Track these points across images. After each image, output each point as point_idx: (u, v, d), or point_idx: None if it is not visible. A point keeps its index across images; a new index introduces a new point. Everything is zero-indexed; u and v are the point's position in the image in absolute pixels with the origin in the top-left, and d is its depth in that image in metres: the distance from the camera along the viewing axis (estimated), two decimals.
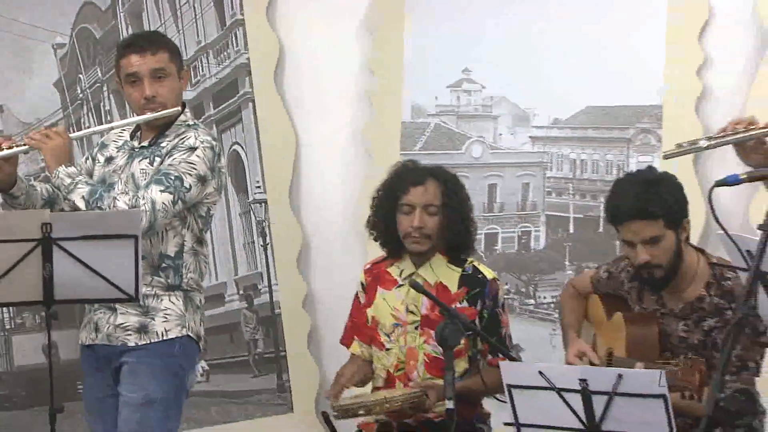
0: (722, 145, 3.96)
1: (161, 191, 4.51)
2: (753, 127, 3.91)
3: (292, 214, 6.64)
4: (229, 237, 6.63)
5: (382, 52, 6.61)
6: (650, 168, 4.89)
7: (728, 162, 4.02)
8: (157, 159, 4.67)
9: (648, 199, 4.51)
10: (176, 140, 4.70)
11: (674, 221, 4.54)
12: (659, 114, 6.19)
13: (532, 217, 6.49)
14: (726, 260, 4.47)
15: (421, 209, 4.86)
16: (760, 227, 3.49)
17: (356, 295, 5.15)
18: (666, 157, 4.28)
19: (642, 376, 3.75)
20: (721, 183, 3.63)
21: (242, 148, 6.65)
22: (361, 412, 4.74)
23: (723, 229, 3.62)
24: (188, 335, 4.67)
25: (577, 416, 3.76)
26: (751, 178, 3.72)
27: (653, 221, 4.50)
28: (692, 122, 6.04)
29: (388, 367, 4.96)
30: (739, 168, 3.93)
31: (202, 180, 4.61)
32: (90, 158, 4.92)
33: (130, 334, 4.63)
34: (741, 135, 3.91)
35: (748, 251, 3.54)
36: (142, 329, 4.62)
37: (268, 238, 6.63)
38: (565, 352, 4.84)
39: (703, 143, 3.98)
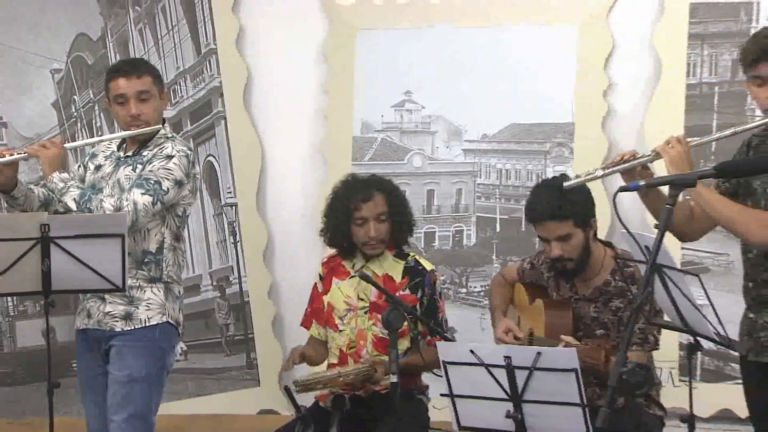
0: (613, 174, 4.04)
1: (142, 193, 4.49)
2: (635, 157, 4.01)
3: (259, 215, 6.62)
4: (204, 235, 6.61)
5: (335, 77, 6.59)
6: (563, 175, 4.88)
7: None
8: (139, 166, 4.64)
9: (560, 202, 4.53)
10: (156, 150, 4.67)
11: (582, 221, 4.58)
12: (571, 130, 6.24)
13: (464, 218, 6.48)
14: (629, 253, 4.58)
15: (374, 220, 4.87)
16: (655, 226, 3.56)
17: (315, 285, 5.13)
18: (567, 186, 4.26)
19: (557, 353, 3.77)
20: (623, 189, 3.70)
21: (215, 159, 6.62)
22: (319, 386, 4.77)
23: (625, 227, 3.67)
24: (168, 321, 4.64)
25: (503, 388, 3.75)
26: (648, 185, 3.76)
27: (564, 221, 4.55)
28: (599, 137, 6.12)
29: (341, 346, 4.95)
30: None
31: (178, 184, 4.59)
32: (82, 166, 4.88)
33: (117, 321, 4.61)
34: (627, 164, 4.00)
35: (646, 246, 3.59)
36: (128, 316, 4.60)
37: (237, 236, 6.60)
38: (493, 332, 4.85)
39: (599, 173, 4.04)
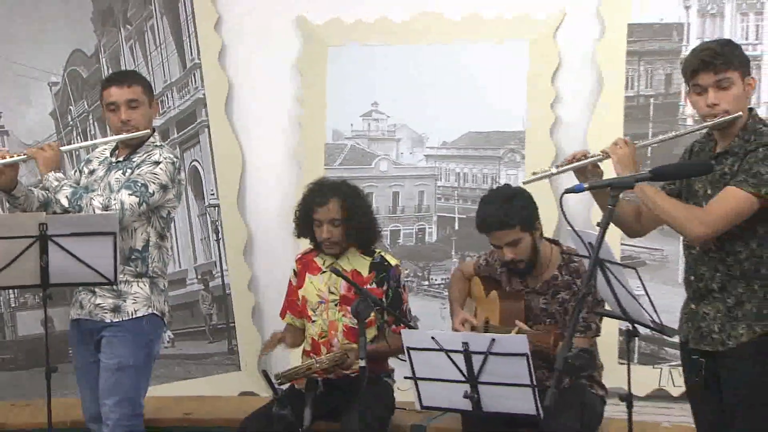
0: (566, 171, 4.05)
1: (129, 194, 4.49)
2: (586, 157, 4.02)
3: (239, 215, 6.59)
4: (190, 233, 6.58)
5: (308, 89, 6.57)
6: (506, 185, 4.95)
7: (573, 176, 4.11)
8: (129, 171, 4.63)
9: (505, 213, 4.58)
10: (145, 156, 4.66)
11: (528, 226, 4.61)
12: (523, 138, 6.24)
13: (426, 217, 6.47)
14: (574, 249, 4.60)
15: (327, 223, 4.88)
16: (598, 224, 3.56)
17: (290, 279, 5.14)
18: (525, 183, 4.29)
19: (509, 340, 3.78)
20: (569, 191, 3.68)
21: (200, 163, 6.60)
22: (299, 376, 4.78)
23: (570, 226, 3.69)
24: (154, 313, 4.65)
25: (461, 371, 3.78)
26: (591, 187, 3.77)
27: (511, 229, 4.59)
28: (547, 144, 6.14)
29: (314, 335, 4.96)
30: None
31: (163, 188, 4.59)
32: (78, 171, 4.88)
33: (106, 313, 4.61)
34: (579, 163, 4.01)
35: (590, 243, 3.60)
36: (116, 309, 4.60)
37: (220, 234, 6.57)
38: (452, 321, 4.87)
39: (553, 170, 4.02)
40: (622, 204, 3.92)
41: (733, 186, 3.72)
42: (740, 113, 3.78)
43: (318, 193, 4.97)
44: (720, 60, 3.77)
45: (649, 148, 5.57)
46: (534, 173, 4.08)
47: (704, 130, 3.96)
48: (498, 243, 4.64)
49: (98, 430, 4.72)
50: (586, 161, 3.95)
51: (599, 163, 4.01)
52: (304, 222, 4.98)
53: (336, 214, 4.89)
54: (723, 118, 3.78)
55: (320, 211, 4.89)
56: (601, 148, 4.00)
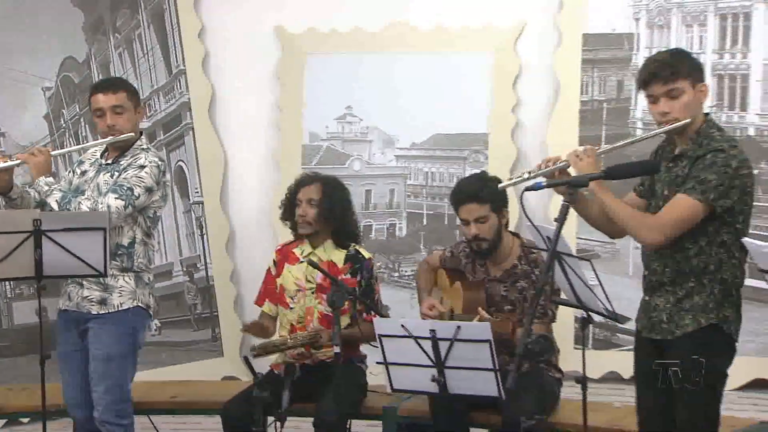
0: (538, 176, 4.01)
1: (116, 198, 4.42)
2: (555, 163, 3.97)
3: (222, 212, 6.59)
4: (176, 228, 6.55)
5: (287, 94, 6.58)
6: (483, 171, 5.03)
7: None
8: (116, 173, 4.56)
9: (480, 187, 4.59)
10: (131, 159, 4.58)
11: (498, 207, 4.60)
12: (486, 140, 6.28)
13: (396, 213, 6.50)
14: (533, 242, 4.60)
15: (306, 202, 4.88)
16: (555, 220, 3.57)
17: (269, 269, 5.10)
18: (501, 187, 4.20)
19: (473, 327, 3.77)
20: (529, 188, 3.69)
21: (185, 164, 6.58)
22: (273, 348, 4.77)
23: (530, 221, 3.69)
24: (138, 305, 4.57)
25: (428, 356, 3.76)
26: (549, 185, 3.77)
27: (483, 204, 4.57)
28: (509, 146, 6.18)
29: (292, 321, 4.93)
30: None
31: (148, 190, 4.51)
32: (72, 171, 4.80)
33: (93, 305, 4.54)
34: (548, 169, 3.95)
35: (548, 236, 3.61)
36: (103, 301, 4.53)
37: (204, 229, 6.56)
38: (420, 309, 4.85)
39: (526, 175, 3.91)
40: (595, 209, 3.93)
41: (683, 194, 3.73)
42: (688, 120, 3.79)
43: (306, 177, 5.04)
44: (669, 71, 3.77)
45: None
46: (510, 178, 4.07)
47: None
48: (467, 217, 4.63)
49: (79, 415, 4.68)
50: (553, 167, 3.91)
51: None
52: (290, 203, 5.00)
53: (315, 194, 4.90)
54: (673, 125, 3.78)
55: (303, 191, 4.92)
56: (559, 149, 4.00)
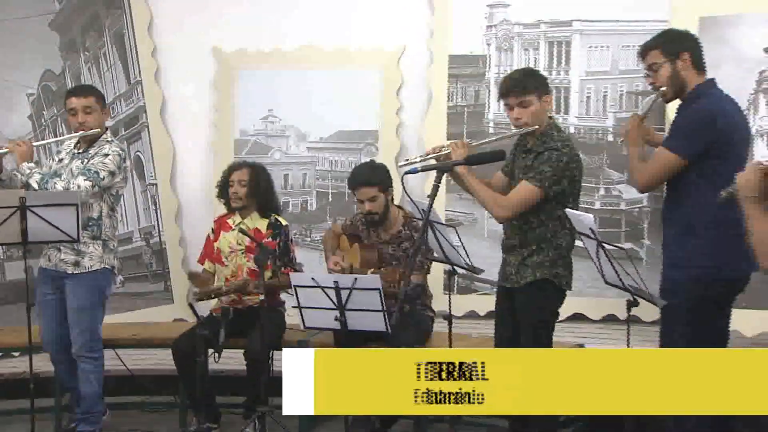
0: (429, 159, 3.88)
1: (84, 180, 4.41)
2: (439, 150, 3.93)
3: (171, 191, 6.46)
4: (135, 204, 6.40)
5: (222, 100, 6.47)
6: (372, 160, 5.03)
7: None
8: (86, 160, 4.53)
9: (371, 174, 4.61)
10: (98, 149, 4.55)
11: (385, 188, 4.64)
12: (377, 135, 6.25)
13: (308, 192, 6.45)
14: (412, 213, 4.62)
15: (237, 183, 4.89)
16: (428, 196, 3.61)
17: (208, 235, 5.08)
18: (399, 166, 4.20)
19: (367, 279, 3.79)
20: (408, 172, 3.73)
21: (141, 154, 6.44)
22: (212, 293, 4.77)
23: (409, 197, 3.77)
24: (106, 267, 4.55)
25: (332, 301, 3.78)
26: (423, 169, 3.79)
27: (373, 187, 4.59)
28: (394, 141, 6.17)
29: (226, 275, 4.92)
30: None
31: (112, 174, 4.49)
32: (53, 159, 4.76)
33: (69, 266, 4.50)
34: (433, 155, 3.93)
35: (423, 209, 3.63)
36: (77, 264, 4.50)
37: (157, 204, 6.44)
38: (326, 264, 4.84)
39: (418, 159, 3.88)
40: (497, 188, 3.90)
41: (526, 180, 3.78)
42: (536, 126, 3.81)
43: (237, 164, 5.06)
44: (521, 86, 3.81)
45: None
46: (406, 159, 3.97)
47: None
48: (362, 197, 4.64)
49: (53, 350, 4.64)
50: (436, 154, 3.87)
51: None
52: (224, 184, 4.99)
53: (244, 177, 4.90)
54: (524, 129, 3.83)
55: (234, 174, 4.93)
56: (432, 143, 4.00)
